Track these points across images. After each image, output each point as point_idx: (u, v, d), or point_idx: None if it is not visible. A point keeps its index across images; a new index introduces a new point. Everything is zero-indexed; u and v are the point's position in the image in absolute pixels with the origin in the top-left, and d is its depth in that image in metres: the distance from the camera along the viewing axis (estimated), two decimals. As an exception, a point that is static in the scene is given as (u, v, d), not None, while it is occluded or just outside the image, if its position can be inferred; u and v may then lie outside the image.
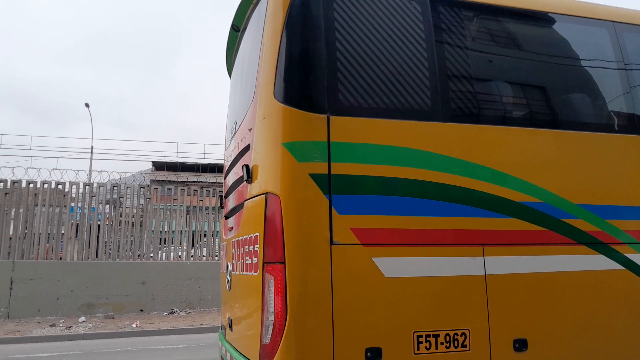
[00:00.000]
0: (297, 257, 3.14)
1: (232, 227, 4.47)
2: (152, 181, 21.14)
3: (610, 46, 4.32)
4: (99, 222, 16.08)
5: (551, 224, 3.69)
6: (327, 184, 3.25)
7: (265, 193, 3.37)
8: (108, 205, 16.75)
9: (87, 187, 16.11)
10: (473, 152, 3.63)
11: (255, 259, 3.47)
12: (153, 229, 16.74)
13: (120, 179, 17.19)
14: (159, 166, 28.78)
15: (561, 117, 4.09)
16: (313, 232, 3.19)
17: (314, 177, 3.23)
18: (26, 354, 10.10)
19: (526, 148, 3.80)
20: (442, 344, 3.30)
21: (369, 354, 3.14)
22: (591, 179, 3.91)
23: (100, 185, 16.37)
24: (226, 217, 4.84)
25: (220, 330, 4.81)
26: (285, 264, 3.12)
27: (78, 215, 15.90)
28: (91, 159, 21.14)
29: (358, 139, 3.40)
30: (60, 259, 15.71)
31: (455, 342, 3.33)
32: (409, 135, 3.52)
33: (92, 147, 21.13)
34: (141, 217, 16.66)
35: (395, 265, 3.31)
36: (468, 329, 3.37)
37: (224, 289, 4.66)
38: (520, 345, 3.46)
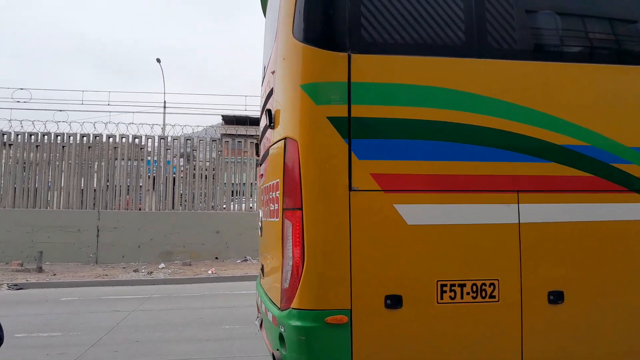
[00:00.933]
0: (314, 203, 3.07)
1: (262, 175, 4.48)
2: (223, 135, 21.74)
3: None
4: (174, 175, 16.87)
5: (599, 169, 3.33)
6: (347, 127, 3.11)
7: (285, 138, 3.30)
8: (182, 159, 17.49)
9: (162, 140, 16.85)
10: (510, 91, 3.31)
11: (277, 205, 3.44)
12: (225, 181, 17.34)
13: (192, 132, 17.83)
14: (228, 120, 29.39)
15: (613, 50, 3.62)
16: (331, 178, 3.09)
17: (333, 120, 3.10)
18: (115, 296, 11.02)
19: (572, 86, 3.41)
20: (468, 294, 3.15)
21: (388, 301, 3.06)
22: None
23: (174, 139, 17.06)
24: (260, 165, 4.86)
25: (258, 276, 4.93)
26: (302, 210, 3.07)
27: (154, 168, 16.75)
28: (164, 113, 22.04)
29: (381, 78, 3.20)
30: (140, 209, 16.76)
31: (483, 293, 3.16)
32: (438, 74, 3.27)
33: (164, 101, 22.02)
34: (213, 169, 17.27)
35: (419, 213, 3.16)
36: (497, 280, 3.18)
37: (259, 236, 4.73)
38: (556, 297, 3.22)
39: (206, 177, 17.19)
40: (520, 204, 3.25)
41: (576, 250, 3.31)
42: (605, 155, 3.35)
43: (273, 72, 3.73)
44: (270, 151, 3.77)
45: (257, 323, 4.08)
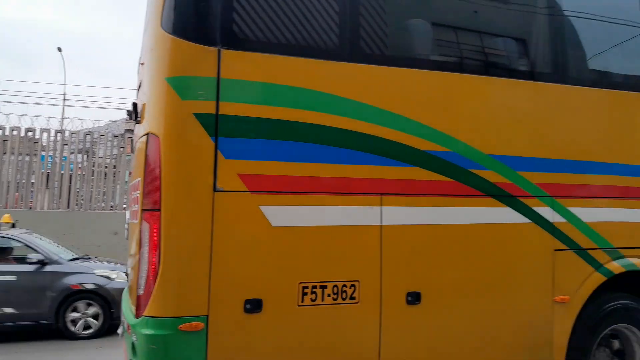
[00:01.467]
0: (174, 204, 2.94)
1: (131, 172, 4.27)
2: (127, 130, 20.72)
3: None
4: (71, 172, 15.83)
5: (458, 174, 3.47)
6: (214, 125, 3.00)
7: (147, 134, 3.14)
8: (80, 155, 16.46)
9: (58, 134, 15.76)
10: (379, 96, 3.36)
11: (137, 205, 3.27)
12: (127, 180, 16.53)
13: (93, 127, 16.84)
14: (133, 115, 28.21)
15: (477, 61, 3.80)
16: (194, 177, 2.98)
17: (199, 117, 2.98)
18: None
19: (437, 94, 3.53)
20: (329, 295, 3.15)
21: (248, 306, 2.99)
22: (504, 128, 3.67)
23: (72, 133, 16.00)
24: None
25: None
26: (161, 212, 2.92)
27: (49, 164, 15.65)
28: (63, 105, 20.71)
29: (252, 76, 3.13)
30: (30, 208, 15.59)
31: (344, 294, 3.18)
32: (309, 75, 3.25)
33: (64, 93, 20.68)
34: (114, 167, 16.40)
35: (285, 214, 3.13)
36: (358, 281, 3.22)
37: (126, 239, 4.51)
38: (414, 298, 3.31)
39: (106, 175, 16.29)
40: (383, 207, 3.31)
41: (435, 252, 3.43)
42: (465, 161, 3.49)
43: (142, 64, 3.56)
44: (137, 147, 3.58)
45: (120, 332, 3.86)
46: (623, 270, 3.87)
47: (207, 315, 2.91)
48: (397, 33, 3.61)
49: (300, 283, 3.10)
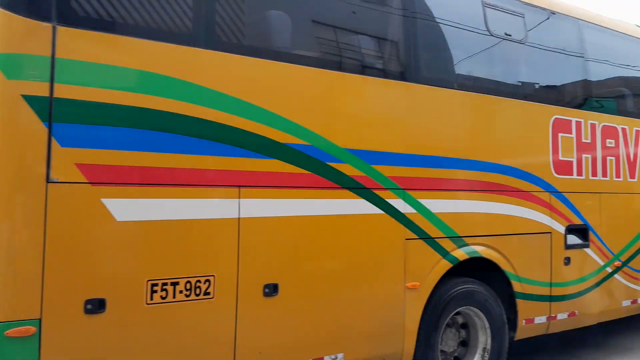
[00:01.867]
0: None
1: None
2: None
3: None
4: None
5: (316, 167, 3.52)
6: (48, 109, 2.71)
7: None
8: None
9: None
10: (236, 86, 3.28)
11: None
12: None
13: None
14: None
15: (336, 57, 3.88)
16: (22, 167, 2.68)
17: (30, 99, 2.67)
18: None
19: (296, 86, 3.54)
20: (181, 292, 3.02)
21: (88, 306, 2.75)
22: (360, 124, 3.80)
23: None
24: None
25: None
26: None
27: None
28: None
29: (94, 57, 2.88)
30: None
31: (197, 290, 3.07)
32: (159, 60, 3.07)
33: None
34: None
35: (131, 208, 2.93)
36: (213, 276, 3.12)
37: None
38: (271, 290, 3.30)
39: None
40: (241, 199, 3.24)
41: (292, 244, 3.45)
42: (323, 154, 3.55)
43: None
44: None
45: None
46: (467, 257, 4.21)
47: (40, 319, 2.64)
48: (256, 23, 3.56)
49: (149, 280, 2.93)
